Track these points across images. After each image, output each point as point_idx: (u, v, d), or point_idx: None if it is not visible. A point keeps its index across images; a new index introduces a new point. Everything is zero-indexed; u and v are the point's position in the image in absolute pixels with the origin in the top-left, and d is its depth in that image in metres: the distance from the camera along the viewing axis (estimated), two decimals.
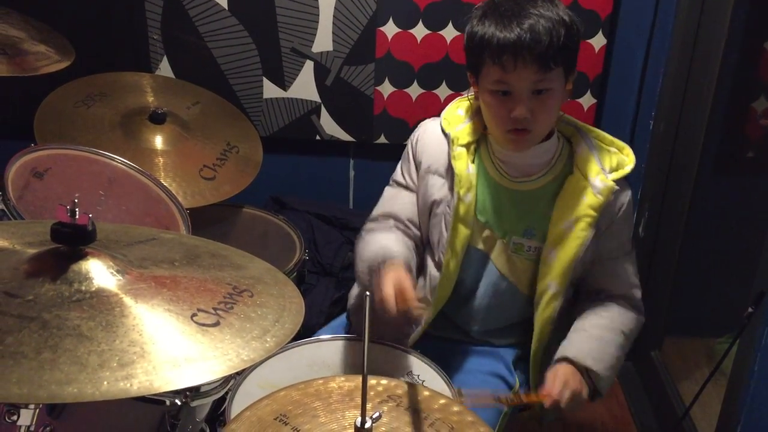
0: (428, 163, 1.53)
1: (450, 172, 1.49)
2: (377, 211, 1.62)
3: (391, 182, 1.63)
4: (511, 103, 1.37)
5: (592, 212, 1.44)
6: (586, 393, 1.43)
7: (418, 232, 1.59)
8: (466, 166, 1.47)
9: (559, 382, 1.40)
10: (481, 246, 1.53)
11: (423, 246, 1.60)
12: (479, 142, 1.51)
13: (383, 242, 1.50)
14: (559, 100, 1.41)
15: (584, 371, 1.44)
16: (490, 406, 1.39)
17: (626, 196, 1.49)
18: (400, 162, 1.62)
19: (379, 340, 1.51)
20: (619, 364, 1.50)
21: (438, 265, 1.53)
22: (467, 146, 1.49)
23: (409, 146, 1.59)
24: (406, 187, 1.59)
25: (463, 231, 1.49)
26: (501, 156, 1.49)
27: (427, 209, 1.54)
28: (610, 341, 1.48)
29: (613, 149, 1.50)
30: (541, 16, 1.32)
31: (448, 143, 1.49)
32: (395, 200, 1.60)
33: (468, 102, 1.54)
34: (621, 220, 1.50)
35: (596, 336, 1.48)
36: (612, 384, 1.50)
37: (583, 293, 1.58)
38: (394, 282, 1.37)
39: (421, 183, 1.55)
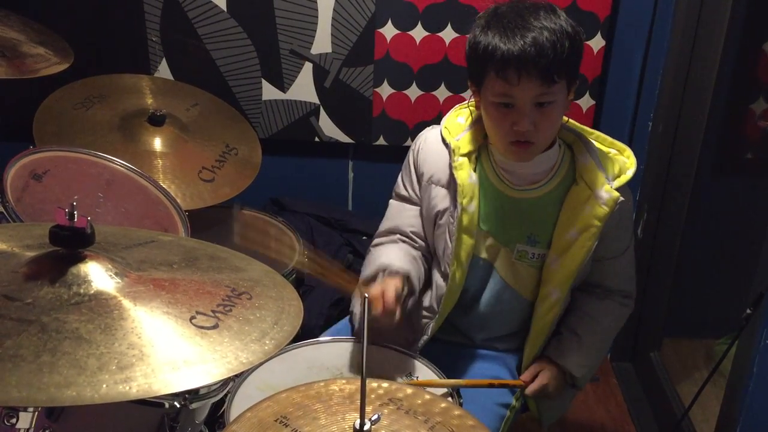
0: (430, 174, 1.52)
1: (452, 183, 1.48)
2: (383, 226, 1.63)
3: (393, 195, 1.63)
4: (514, 116, 1.35)
5: (597, 222, 1.43)
6: (559, 393, 1.57)
7: (424, 244, 1.59)
8: (468, 176, 1.46)
9: (538, 383, 1.53)
10: (484, 255, 1.53)
11: (431, 256, 1.60)
12: (480, 151, 1.50)
13: (383, 259, 1.51)
14: (562, 112, 1.39)
15: (568, 374, 1.56)
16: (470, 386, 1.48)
17: (628, 202, 1.49)
18: (401, 173, 1.61)
19: (382, 343, 1.51)
20: (602, 358, 1.64)
21: (444, 276, 1.53)
22: (468, 155, 1.48)
23: (410, 157, 1.58)
24: (409, 200, 1.59)
25: (468, 241, 1.49)
26: (503, 164, 1.48)
27: (432, 220, 1.54)
28: (600, 348, 1.60)
29: (613, 151, 1.50)
30: (544, 29, 1.30)
31: (450, 154, 1.48)
32: (400, 214, 1.60)
33: (468, 110, 1.53)
34: (623, 224, 1.50)
35: (587, 344, 1.56)
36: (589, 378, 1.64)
37: (581, 285, 1.60)
38: (383, 286, 1.42)
39: (424, 194, 1.55)
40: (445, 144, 1.50)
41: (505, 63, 1.30)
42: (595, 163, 1.45)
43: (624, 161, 1.49)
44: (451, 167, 1.47)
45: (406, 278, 1.48)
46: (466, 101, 1.55)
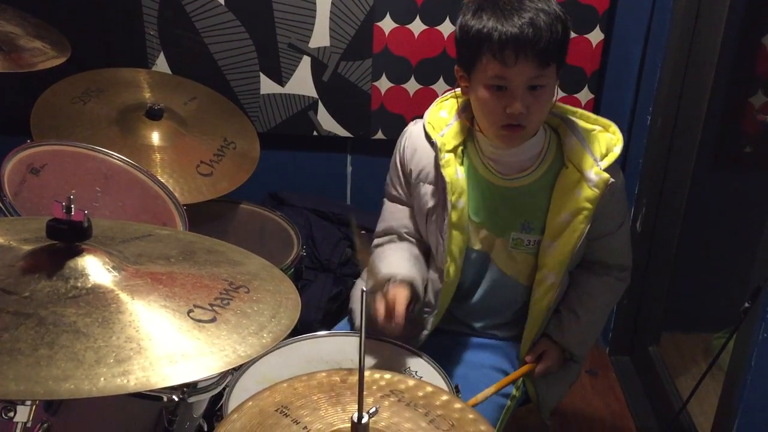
0: (418, 171, 1.52)
1: (440, 180, 1.47)
2: (379, 226, 1.64)
3: (385, 194, 1.63)
4: (507, 99, 1.35)
5: (588, 205, 1.44)
6: (559, 369, 1.61)
7: (419, 241, 1.59)
8: (455, 172, 1.46)
9: (543, 364, 1.57)
10: (479, 246, 1.53)
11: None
12: (466, 143, 1.50)
13: (387, 269, 1.50)
14: (552, 97, 1.40)
15: (568, 351, 1.61)
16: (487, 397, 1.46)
17: (618, 179, 1.48)
18: (389, 172, 1.60)
19: (381, 338, 1.51)
20: (599, 332, 1.70)
21: (438, 271, 1.53)
22: (454, 150, 1.47)
23: (397, 155, 1.57)
24: (400, 200, 1.59)
25: (459, 236, 1.49)
26: (490, 155, 1.47)
27: (424, 217, 1.54)
28: (598, 323, 1.64)
29: (598, 127, 1.50)
30: (540, 11, 1.31)
31: (435, 151, 1.47)
32: (392, 215, 1.61)
33: (452, 100, 1.53)
34: (615, 201, 1.50)
35: (586, 322, 1.58)
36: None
37: (580, 262, 1.60)
38: (389, 297, 1.43)
39: (414, 192, 1.54)
40: (430, 141, 1.50)
41: (502, 44, 1.30)
42: (581, 145, 1.45)
43: (610, 138, 1.48)
44: (437, 165, 1.47)
45: (412, 285, 1.48)
46: (449, 93, 1.54)
